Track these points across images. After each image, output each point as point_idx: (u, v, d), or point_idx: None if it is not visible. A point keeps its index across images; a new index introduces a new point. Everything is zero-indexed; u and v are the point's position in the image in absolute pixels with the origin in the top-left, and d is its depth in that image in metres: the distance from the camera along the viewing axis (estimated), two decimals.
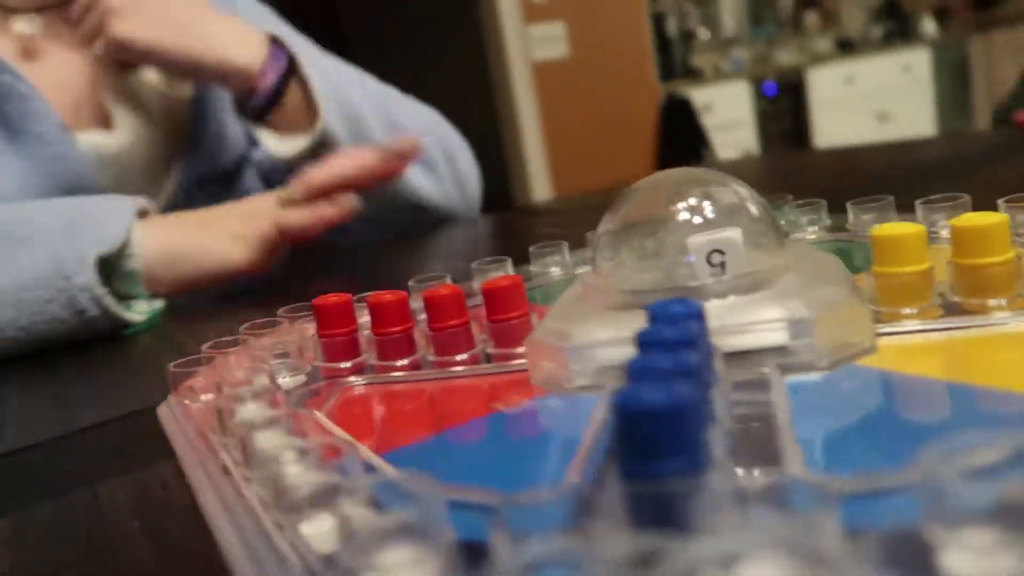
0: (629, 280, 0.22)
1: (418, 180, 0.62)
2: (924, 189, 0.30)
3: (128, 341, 0.40)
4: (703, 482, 0.11)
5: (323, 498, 0.14)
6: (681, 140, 3.19)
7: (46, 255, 0.40)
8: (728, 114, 3.46)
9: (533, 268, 0.34)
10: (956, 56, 4.29)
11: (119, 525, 0.19)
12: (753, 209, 0.22)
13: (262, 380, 0.23)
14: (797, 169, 0.73)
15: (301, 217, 0.50)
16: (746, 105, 3.53)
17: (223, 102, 0.62)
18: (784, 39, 4.37)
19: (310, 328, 0.28)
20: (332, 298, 0.25)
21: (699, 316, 0.16)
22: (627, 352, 0.19)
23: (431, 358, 0.24)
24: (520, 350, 0.23)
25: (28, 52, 0.57)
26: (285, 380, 0.24)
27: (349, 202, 0.52)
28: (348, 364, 0.25)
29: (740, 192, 0.22)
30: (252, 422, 0.19)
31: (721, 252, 0.22)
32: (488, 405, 0.20)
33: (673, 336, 0.15)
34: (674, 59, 3.58)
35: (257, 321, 0.27)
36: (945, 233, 0.27)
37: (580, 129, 2.93)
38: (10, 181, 0.53)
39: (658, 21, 3.46)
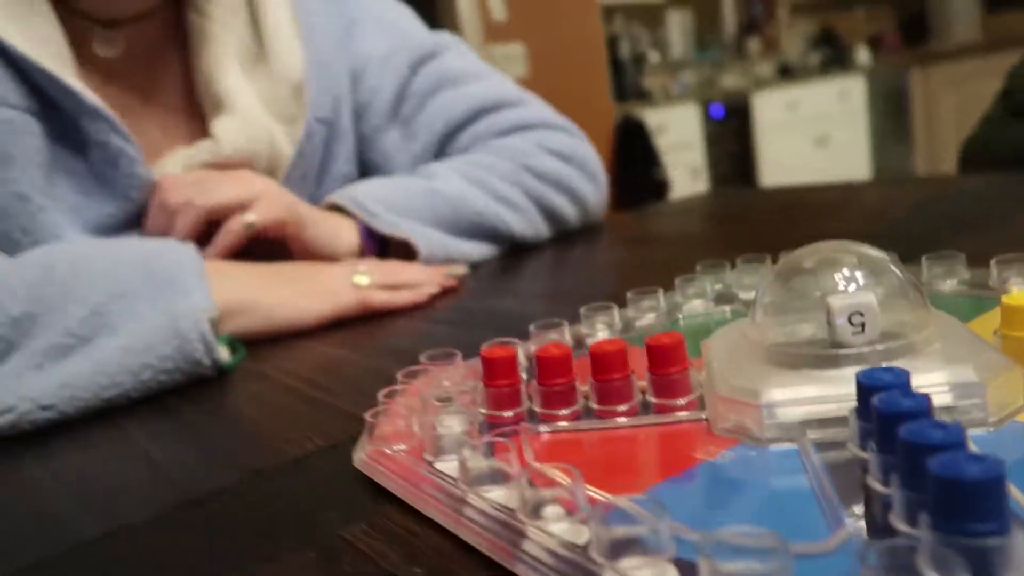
0: (788, 337, 0.25)
1: (496, 215, 0.65)
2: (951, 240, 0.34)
3: (222, 380, 0.42)
4: (1014, 541, 0.14)
5: (635, 546, 0.17)
6: (635, 159, 3.27)
7: (158, 322, 0.42)
8: (679, 135, 3.56)
9: (630, 312, 0.36)
10: (889, 84, 4.52)
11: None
12: (897, 275, 0.25)
13: (453, 426, 0.25)
14: (791, 204, 0.78)
15: (383, 300, 0.52)
16: (696, 127, 3.64)
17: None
18: (729, 63, 4.53)
19: (456, 374, 0.30)
20: (499, 351, 0.27)
21: (908, 384, 0.19)
22: (813, 410, 0.22)
23: (593, 407, 0.27)
24: (681, 401, 0.26)
25: (110, 76, 0.58)
26: (454, 426, 0.26)
27: (429, 291, 0.54)
28: (511, 413, 0.27)
29: (884, 260, 0.25)
30: (488, 470, 0.21)
31: (860, 314, 0.25)
32: (690, 455, 0.23)
33: (911, 407, 0.18)
34: (626, 81, 3.67)
35: (412, 369, 0.29)
36: (1016, 288, 0.31)
37: None
38: (94, 216, 0.55)
39: (612, 44, 3.55)
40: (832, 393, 0.22)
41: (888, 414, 0.18)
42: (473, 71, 0.73)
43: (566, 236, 0.70)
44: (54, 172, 0.54)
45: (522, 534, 0.19)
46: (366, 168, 0.72)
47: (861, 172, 4.31)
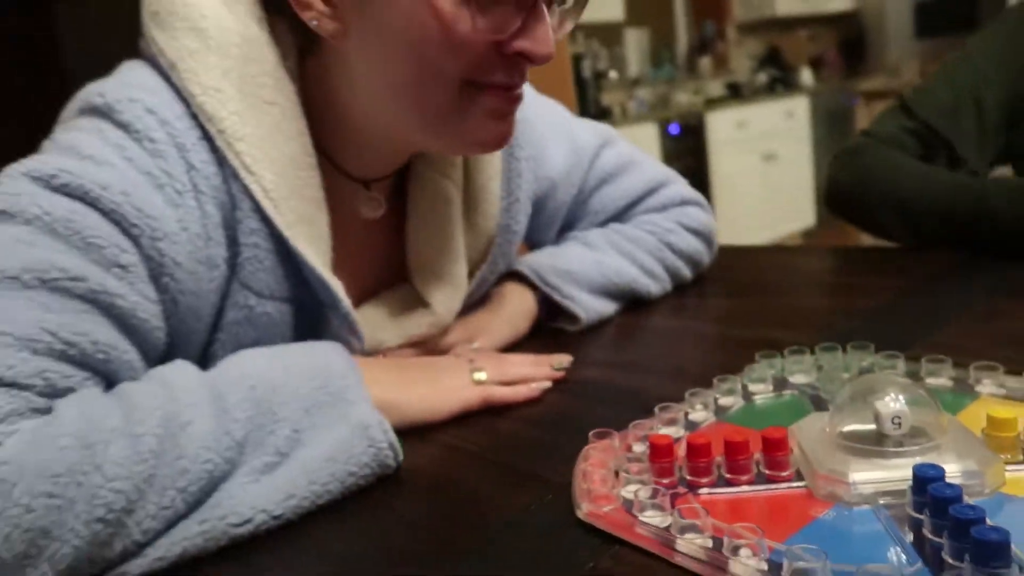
0: (856, 429, 0.39)
1: (640, 284, 0.76)
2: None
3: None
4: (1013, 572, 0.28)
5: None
6: None
7: (352, 433, 0.46)
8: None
9: (716, 394, 0.50)
10: (831, 104, 4.80)
11: None
12: (922, 394, 0.39)
13: (642, 491, 0.38)
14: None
15: (503, 395, 0.57)
16: (654, 144, 3.83)
17: None
18: (682, 81, 4.74)
19: (618, 449, 0.43)
20: (662, 439, 0.40)
21: (944, 477, 0.33)
22: (881, 486, 0.36)
23: (726, 476, 0.40)
24: (785, 474, 0.39)
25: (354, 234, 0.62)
26: (643, 491, 0.39)
27: (543, 386, 0.59)
28: (667, 480, 0.40)
29: (914, 386, 0.40)
30: (685, 522, 0.34)
31: (899, 417, 0.39)
32: (807, 513, 0.36)
33: (951, 494, 0.32)
34: (588, 98, 3.83)
35: (591, 446, 0.43)
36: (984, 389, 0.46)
37: None
38: None
39: (576, 62, 3.70)
40: (892, 476, 0.36)
41: (940, 497, 0.32)
42: (627, 161, 0.82)
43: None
44: (290, 333, 0.59)
45: (725, 567, 0.33)
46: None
47: (805, 186, 4.58)
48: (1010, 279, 0.68)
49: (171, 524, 0.41)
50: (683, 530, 0.35)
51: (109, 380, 0.46)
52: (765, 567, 0.32)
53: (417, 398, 0.54)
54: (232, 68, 0.53)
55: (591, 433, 0.45)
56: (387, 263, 0.67)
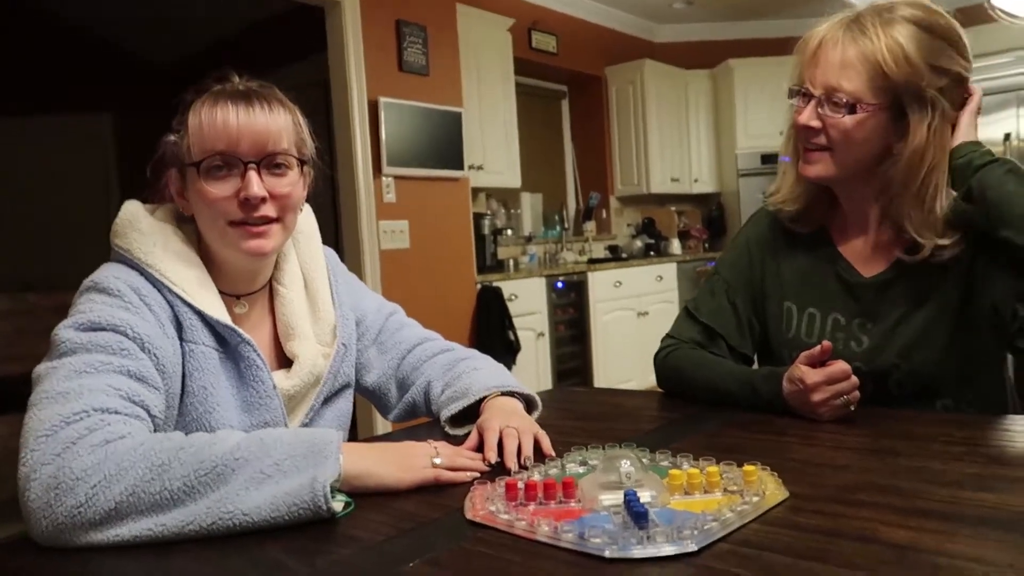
0: (608, 479, 0.78)
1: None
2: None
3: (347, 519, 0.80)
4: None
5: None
6: (493, 321, 3.87)
7: (301, 482, 0.74)
8: (528, 303, 4.23)
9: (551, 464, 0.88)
10: (694, 269, 5.52)
11: None
12: (640, 460, 0.78)
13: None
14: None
15: (450, 477, 0.85)
16: (543, 295, 4.34)
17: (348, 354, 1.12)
18: (569, 242, 5.36)
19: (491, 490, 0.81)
20: (512, 482, 0.78)
21: (636, 496, 0.72)
22: (611, 501, 0.75)
23: (543, 499, 0.77)
24: (575, 500, 0.77)
25: (240, 321, 1.03)
26: (497, 504, 0.76)
27: (477, 473, 0.87)
28: (513, 503, 0.78)
29: (635, 454, 0.79)
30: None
31: (628, 475, 0.79)
32: (580, 513, 0.74)
33: (633, 498, 0.70)
34: (486, 251, 4.34)
35: (476, 487, 0.79)
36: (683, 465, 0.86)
37: (415, 307, 3.52)
38: (236, 413, 0.97)
39: (476, 222, 4.22)
40: (618, 499, 0.75)
41: (631, 500, 0.71)
42: (411, 322, 1.26)
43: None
44: (225, 379, 0.98)
45: (535, 532, 0.70)
46: (357, 371, 1.18)
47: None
48: (735, 418, 1.11)
49: (189, 491, 0.74)
50: (517, 520, 0.73)
51: (148, 411, 0.85)
52: (554, 529, 0.70)
53: (385, 471, 0.84)
54: (157, 242, 0.97)
55: (475, 480, 0.82)
56: (275, 347, 1.09)
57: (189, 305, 0.96)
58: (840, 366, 1.00)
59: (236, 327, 0.98)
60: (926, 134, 1.06)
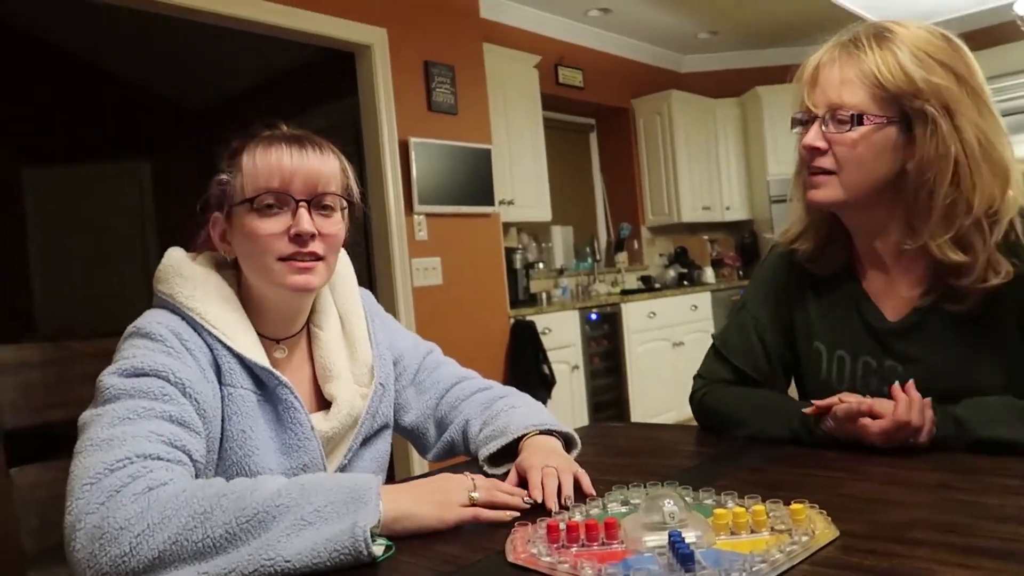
0: (652, 520, 0.76)
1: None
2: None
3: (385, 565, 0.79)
4: None
5: None
6: (527, 355, 3.86)
7: (342, 528, 0.74)
8: (562, 336, 4.22)
9: (596, 503, 0.87)
10: (729, 298, 5.46)
11: None
12: (683, 500, 0.77)
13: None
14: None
15: (488, 516, 0.84)
16: (575, 329, 4.32)
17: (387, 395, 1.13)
18: (601, 273, 5.34)
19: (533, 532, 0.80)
20: (553, 523, 0.77)
21: (680, 536, 0.70)
22: (657, 543, 0.74)
23: (585, 541, 0.76)
24: (617, 541, 0.76)
25: (279, 365, 1.04)
26: (538, 547, 0.75)
27: (516, 512, 0.86)
28: (555, 546, 0.76)
29: (678, 493, 0.77)
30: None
31: (672, 515, 0.77)
32: (622, 553, 0.72)
33: (678, 539, 0.69)
34: (518, 286, 4.35)
35: (517, 529, 0.78)
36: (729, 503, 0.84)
37: (448, 343, 3.53)
38: (275, 456, 0.98)
39: (508, 256, 4.24)
40: (663, 540, 0.74)
41: (676, 542, 0.70)
42: (448, 360, 1.26)
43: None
44: (264, 422, 0.99)
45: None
46: (395, 411, 1.19)
47: None
48: (779, 452, 1.08)
49: (231, 539, 0.74)
50: (559, 563, 0.72)
51: (190, 456, 0.86)
52: (598, 571, 0.68)
53: (425, 512, 0.83)
54: (198, 286, 1.00)
55: (516, 522, 0.81)
56: (314, 389, 1.10)
57: (228, 348, 0.98)
58: (908, 420, 0.96)
59: (274, 370, 1.00)
60: (934, 148, 1.00)
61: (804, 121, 1.09)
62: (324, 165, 1.02)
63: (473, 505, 0.86)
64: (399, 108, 3.62)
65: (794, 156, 1.14)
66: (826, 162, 1.06)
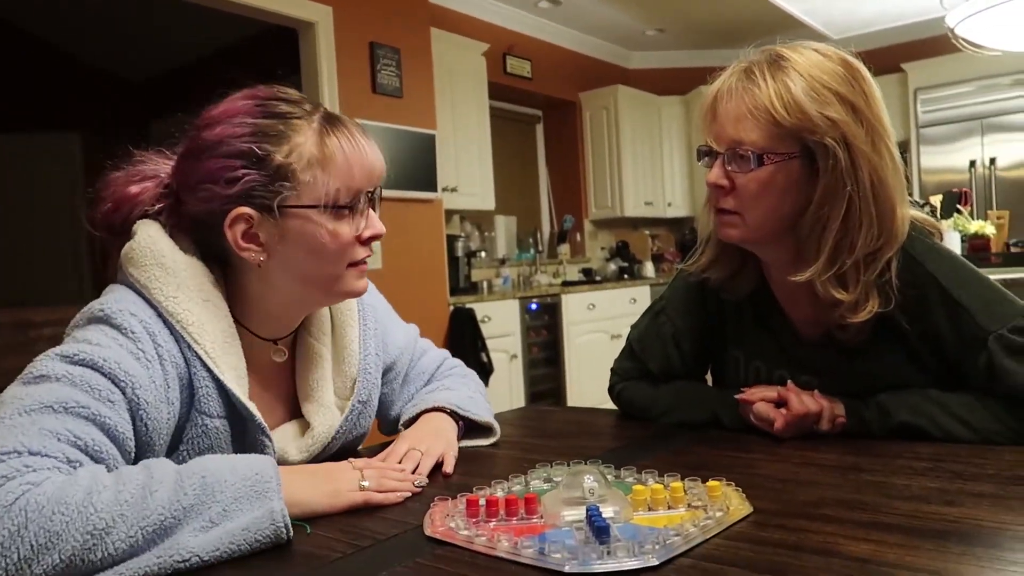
0: (571, 495, 0.77)
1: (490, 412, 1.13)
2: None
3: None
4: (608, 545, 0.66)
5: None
6: (466, 343, 3.85)
7: (258, 515, 0.71)
8: (502, 325, 4.22)
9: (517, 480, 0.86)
10: None
11: None
12: (604, 475, 0.77)
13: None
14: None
15: (379, 499, 0.83)
16: (516, 317, 4.33)
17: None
18: (543, 264, 5.36)
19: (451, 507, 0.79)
20: (473, 498, 0.76)
21: (598, 511, 0.71)
22: (575, 516, 0.74)
23: (506, 516, 0.76)
24: (537, 515, 0.76)
25: (268, 374, 0.97)
26: (457, 521, 0.74)
27: (407, 494, 0.85)
28: (474, 520, 0.76)
29: (601, 473, 0.78)
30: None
31: (592, 490, 0.78)
32: (541, 527, 0.72)
33: (595, 514, 0.69)
34: (459, 274, 4.33)
35: (437, 503, 0.78)
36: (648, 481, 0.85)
37: None
38: None
39: (450, 243, 4.21)
40: (580, 514, 0.74)
41: (595, 515, 0.70)
42: (427, 345, 1.22)
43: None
44: (225, 449, 0.89)
45: (495, 548, 0.69)
46: (381, 407, 1.12)
47: None
48: (702, 435, 1.10)
49: (135, 550, 0.66)
50: (476, 536, 0.71)
51: (102, 466, 0.73)
52: (514, 544, 0.68)
53: (318, 497, 0.81)
54: (182, 283, 0.87)
55: (436, 498, 0.80)
56: (293, 394, 1.02)
57: (209, 370, 0.86)
58: (806, 409, 1.01)
59: (255, 412, 0.90)
60: (834, 183, 0.97)
61: (707, 154, 1.05)
62: (381, 157, 0.94)
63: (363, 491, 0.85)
64: (342, 89, 3.56)
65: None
66: (730, 203, 1.03)
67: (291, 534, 0.74)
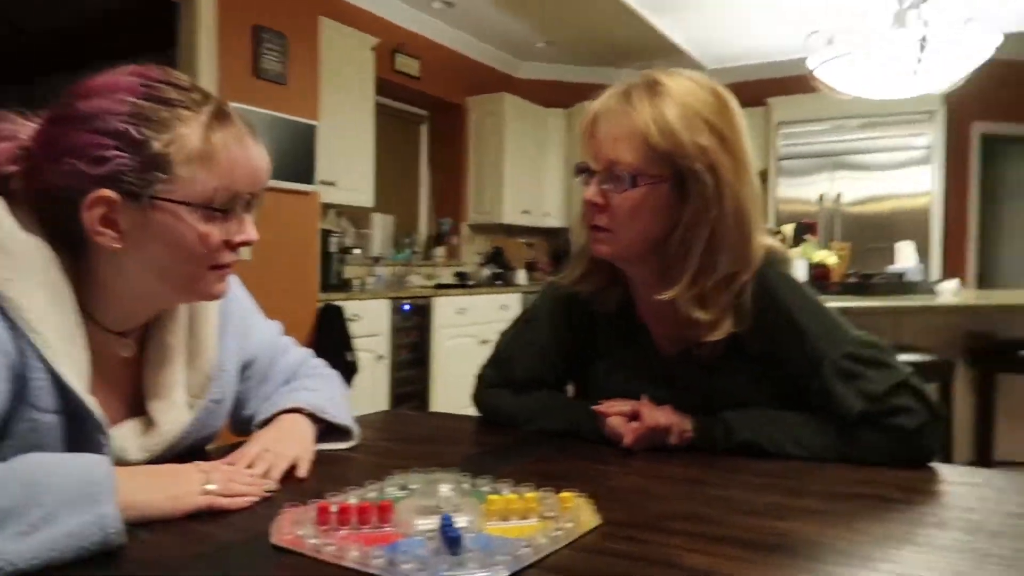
0: (426, 504, 0.76)
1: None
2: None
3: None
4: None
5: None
6: (333, 341, 3.76)
7: (85, 520, 0.66)
8: (371, 324, 4.15)
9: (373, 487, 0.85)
10: None
11: None
12: (462, 486, 0.77)
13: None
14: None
15: (224, 504, 0.79)
16: (386, 318, 4.27)
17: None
18: (418, 265, 5.33)
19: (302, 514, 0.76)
20: (324, 505, 0.74)
21: (451, 521, 0.71)
22: (430, 526, 0.73)
23: (359, 524, 0.74)
24: (388, 524, 0.74)
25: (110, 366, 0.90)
26: (306, 529, 0.72)
27: (254, 499, 0.82)
28: (324, 527, 0.74)
29: (457, 481, 0.78)
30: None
31: (448, 493, 0.77)
32: (393, 536, 0.71)
33: (448, 523, 0.69)
34: (331, 270, 4.23)
35: (287, 509, 0.75)
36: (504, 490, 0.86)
37: None
38: None
39: (324, 238, 4.11)
40: (434, 524, 0.73)
41: (446, 526, 0.70)
42: (288, 343, 1.18)
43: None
44: (59, 446, 0.81)
45: (343, 558, 0.67)
46: (235, 406, 1.07)
47: None
48: (560, 445, 1.12)
49: None
50: (325, 545, 0.69)
51: None
52: (364, 554, 0.67)
53: (158, 499, 0.76)
54: (22, 266, 0.80)
55: (286, 503, 0.78)
56: (139, 391, 0.95)
57: (45, 361, 0.79)
58: (656, 422, 1.05)
59: (94, 407, 0.83)
60: (700, 208, 1.02)
61: (584, 171, 1.08)
62: (268, 162, 0.89)
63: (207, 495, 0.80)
64: (222, 69, 3.41)
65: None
66: (603, 220, 1.06)
67: (123, 540, 0.69)
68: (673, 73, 1.06)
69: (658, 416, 1.06)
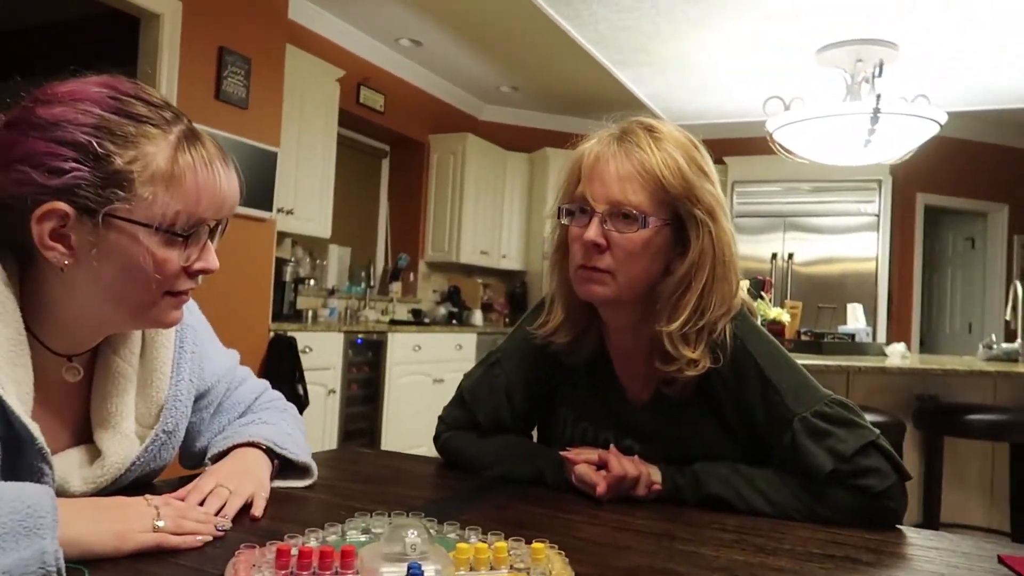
0: (392, 550, 0.72)
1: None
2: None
3: None
4: None
5: None
6: (283, 372, 3.67)
7: (24, 556, 0.62)
8: (323, 358, 4.07)
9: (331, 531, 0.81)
10: (493, 342, 5.61)
11: None
12: (427, 530, 0.74)
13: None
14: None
15: (175, 543, 0.75)
16: (338, 352, 4.19)
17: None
18: (373, 300, 5.26)
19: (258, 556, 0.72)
20: (284, 547, 0.70)
21: (420, 569, 0.67)
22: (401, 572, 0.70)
23: (318, 570, 0.70)
24: (352, 570, 0.71)
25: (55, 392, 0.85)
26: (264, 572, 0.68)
27: (206, 539, 0.78)
28: (282, 572, 0.69)
29: (424, 527, 0.74)
30: None
31: (416, 540, 0.74)
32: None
33: (417, 572, 0.66)
34: (284, 299, 4.14)
35: (242, 551, 0.70)
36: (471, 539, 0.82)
37: None
38: None
39: (278, 267, 4.03)
40: (403, 573, 0.70)
41: (416, 572, 0.66)
42: (246, 374, 1.13)
43: None
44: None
45: None
46: (188, 437, 1.02)
47: None
48: (524, 491, 1.09)
49: None
50: None
51: None
52: None
53: (103, 536, 0.72)
54: None
55: (242, 544, 0.73)
56: (85, 418, 0.90)
57: None
58: (624, 472, 1.04)
59: (36, 433, 0.77)
60: (699, 253, 1.04)
61: (575, 212, 1.06)
62: (237, 190, 0.87)
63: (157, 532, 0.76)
64: (182, 89, 3.35)
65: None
66: (605, 261, 1.04)
67: None
68: (659, 122, 1.07)
69: (627, 466, 1.04)
